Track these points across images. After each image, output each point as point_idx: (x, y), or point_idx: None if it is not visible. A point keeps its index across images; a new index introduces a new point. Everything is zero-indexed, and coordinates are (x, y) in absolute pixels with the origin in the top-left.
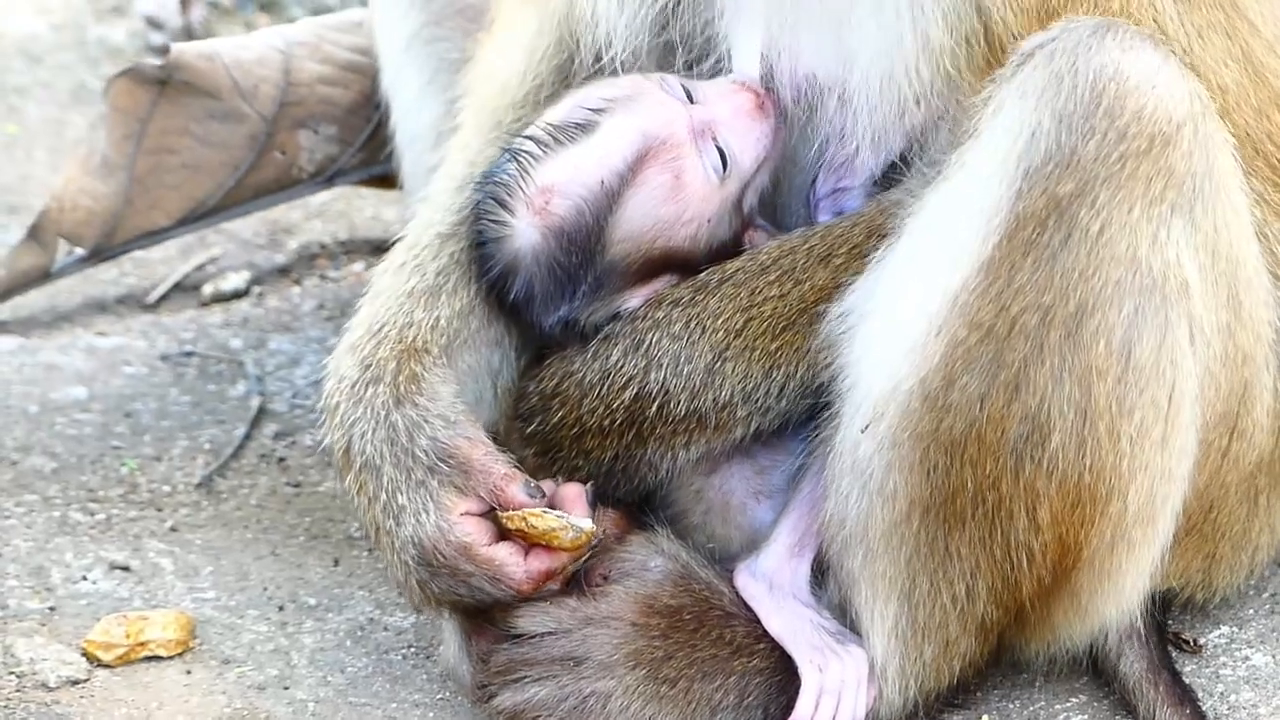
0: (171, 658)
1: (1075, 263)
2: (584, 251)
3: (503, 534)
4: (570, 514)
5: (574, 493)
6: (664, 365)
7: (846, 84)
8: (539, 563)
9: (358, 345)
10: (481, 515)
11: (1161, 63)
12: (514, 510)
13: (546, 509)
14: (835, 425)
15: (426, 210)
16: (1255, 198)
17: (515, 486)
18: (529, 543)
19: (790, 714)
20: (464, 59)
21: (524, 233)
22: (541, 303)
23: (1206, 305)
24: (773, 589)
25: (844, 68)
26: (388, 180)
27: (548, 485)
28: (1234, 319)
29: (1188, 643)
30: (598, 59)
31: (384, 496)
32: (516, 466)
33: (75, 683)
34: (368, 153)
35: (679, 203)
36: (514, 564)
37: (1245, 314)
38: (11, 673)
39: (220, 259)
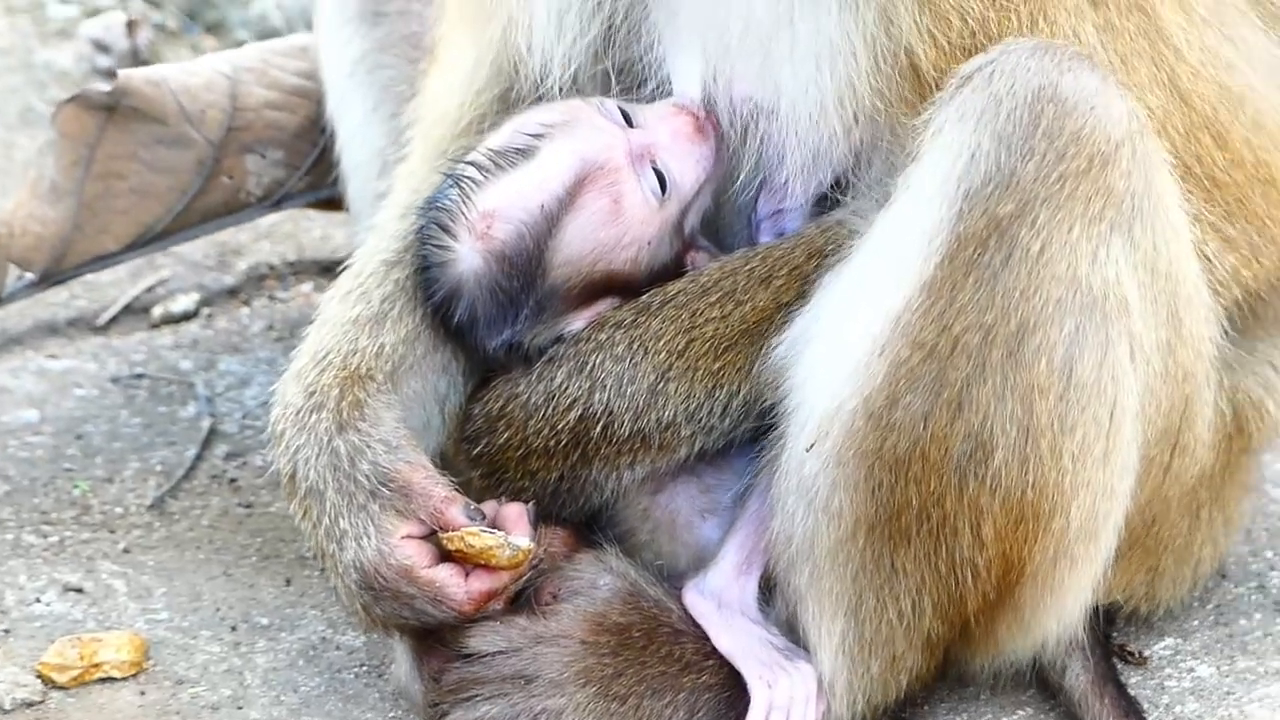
0: (126, 679)
1: (1016, 282)
2: (526, 275)
3: (444, 556)
4: (512, 534)
5: (515, 513)
6: (608, 386)
7: (779, 110)
8: (480, 583)
9: (303, 372)
10: (423, 538)
11: (1100, 83)
12: (454, 532)
13: (485, 528)
14: (781, 445)
15: (373, 238)
16: (1191, 217)
17: (455, 509)
18: (469, 563)
19: None
20: (409, 85)
21: (466, 257)
22: (485, 326)
23: (1146, 323)
24: (721, 606)
25: (775, 95)
26: (334, 203)
27: (490, 507)
28: (1174, 336)
29: (1132, 655)
30: (536, 87)
31: (327, 521)
32: (457, 489)
33: (30, 704)
34: (314, 176)
35: (618, 226)
36: (455, 585)
37: (1185, 331)
38: None
39: (169, 281)
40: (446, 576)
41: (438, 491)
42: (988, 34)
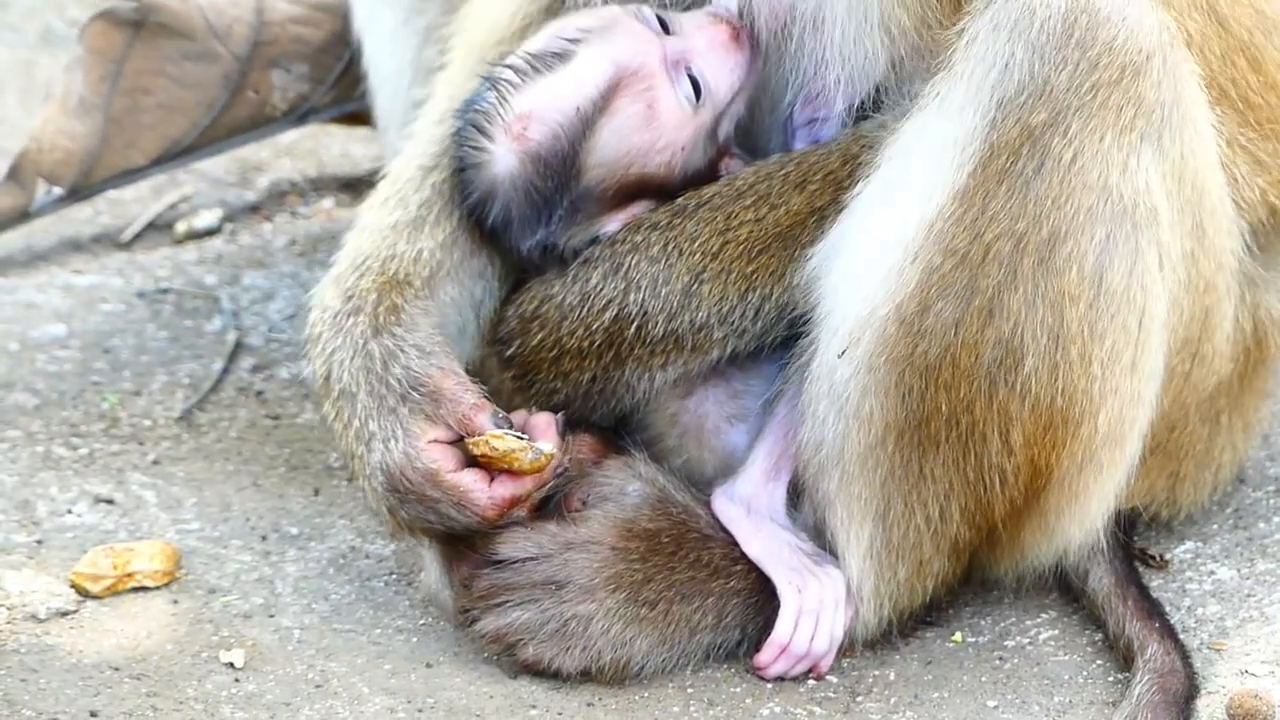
0: (158, 588)
1: (1048, 190)
2: (560, 176)
3: (471, 461)
4: (542, 439)
5: (544, 421)
6: (642, 287)
7: (821, 15)
8: (503, 489)
9: (341, 277)
10: (450, 443)
11: None
12: (479, 436)
13: (509, 432)
14: (811, 351)
15: (411, 145)
16: (1226, 139)
17: (483, 416)
18: (494, 468)
19: (767, 634)
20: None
21: (502, 158)
22: (519, 227)
23: (1173, 232)
24: (750, 512)
25: (818, 7)
26: (359, 118)
27: (520, 416)
28: (1198, 246)
29: (1154, 558)
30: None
31: (357, 423)
32: (487, 397)
33: (65, 614)
34: (339, 91)
35: (652, 130)
36: (479, 490)
37: (1209, 242)
38: (1, 605)
39: (192, 197)
40: (471, 481)
41: (467, 398)
42: None
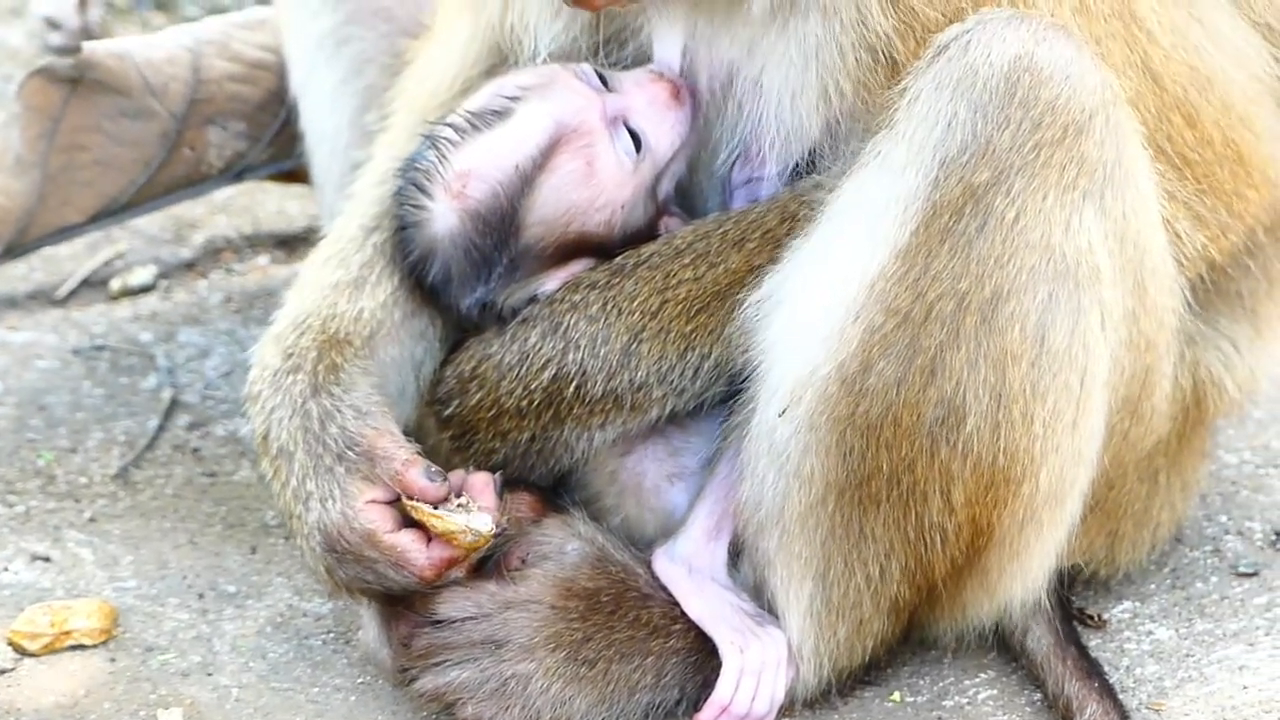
0: (96, 646)
1: (991, 249)
2: (500, 234)
3: (409, 521)
4: (479, 501)
5: (481, 482)
6: (581, 347)
7: (760, 78)
8: (441, 550)
9: (281, 335)
10: (388, 504)
11: (1075, 53)
12: (417, 499)
13: (449, 511)
14: (751, 409)
15: (352, 205)
16: (1165, 194)
17: (415, 471)
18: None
19: (706, 693)
20: (383, 58)
21: (442, 216)
22: (459, 285)
23: (1115, 291)
24: (692, 572)
25: (760, 70)
26: (295, 175)
27: (458, 476)
28: (1139, 305)
29: (1092, 618)
30: (527, 61)
31: (295, 482)
32: (420, 454)
33: (2, 672)
34: (275, 148)
35: (592, 188)
36: (416, 551)
37: (1150, 300)
38: None
39: (127, 254)
40: (408, 542)
41: (399, 455)
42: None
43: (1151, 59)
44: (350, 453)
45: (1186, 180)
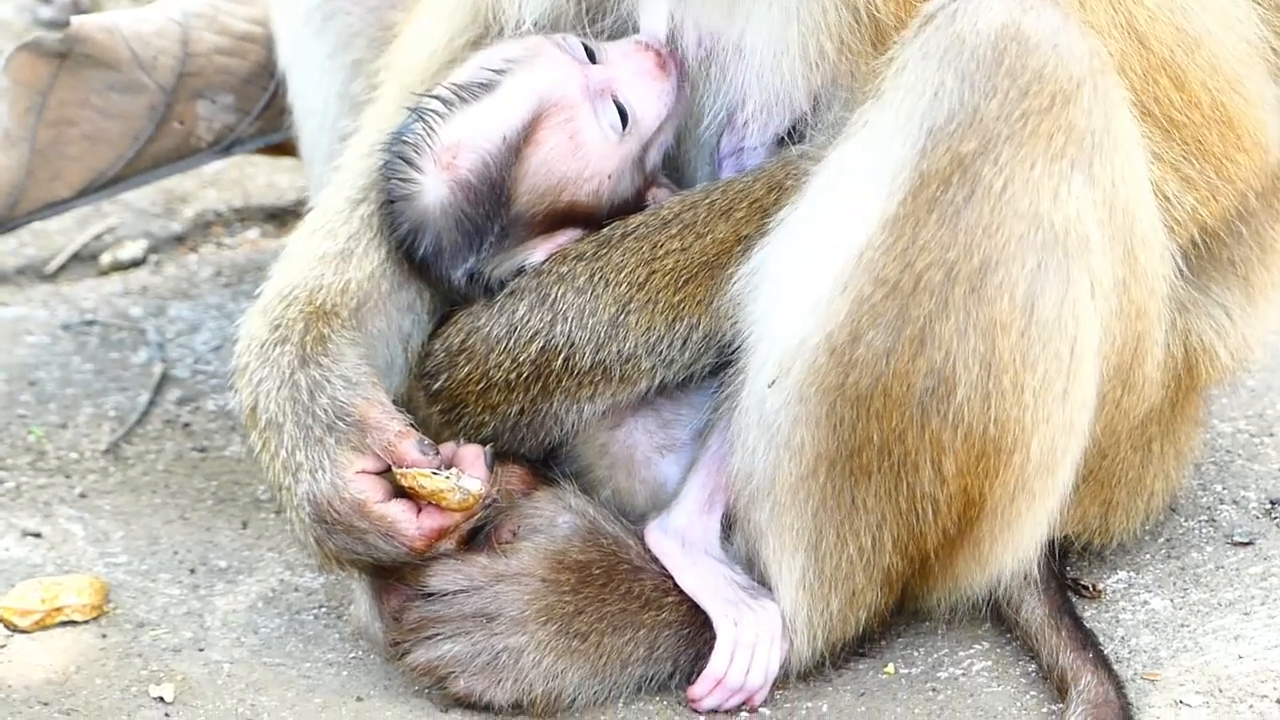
0: (87, 622)
1: (979, 219)
2: (491, 202)
3: (399, 492)
4: (468, 474)
5: (473, 454)
6: (569, 318)
7: (744, 42)
8: (431, 520)
9: (268, 308)
10: (378, 474)
11: (1062, 22)
12: (407, 469)
13: (437, 470)
14: (741, 381)
15: (339, 177)
16: (1152, 156)
17: (408, 443)
18: (421, 499)
19: (699, 666)
20: (371, 30)
21: (432, 188)
22: (449, 256)
23: (1105, 259)
24: (685, 545)
25: (742, 33)
26: (284, 148)
27: (448, 448)
28: (1129, 273)
29: (1087, 588)
30: (511, 32)
31: (284, 454)
32: (413, 425)
33: None
34: (264, 121)
35: (579, 160)
36: (406, 520)
37: (1140, 268)
38: None
39: (117, 228)
40: (398, 512)
41: (392, 425)
42: None
43: (1136, 19)
44: (341, 423)
45: (1174, 142)
